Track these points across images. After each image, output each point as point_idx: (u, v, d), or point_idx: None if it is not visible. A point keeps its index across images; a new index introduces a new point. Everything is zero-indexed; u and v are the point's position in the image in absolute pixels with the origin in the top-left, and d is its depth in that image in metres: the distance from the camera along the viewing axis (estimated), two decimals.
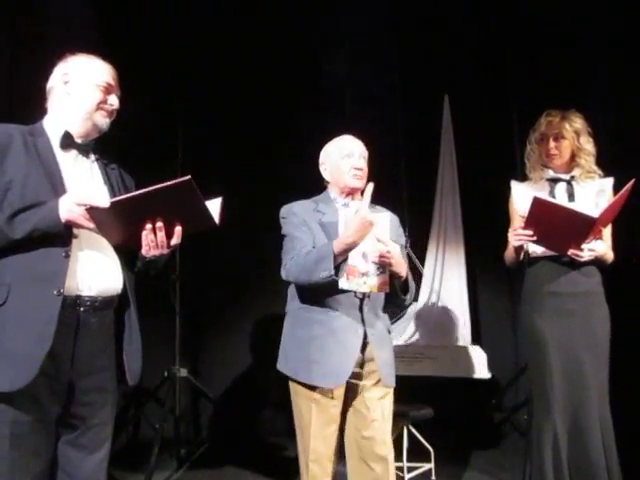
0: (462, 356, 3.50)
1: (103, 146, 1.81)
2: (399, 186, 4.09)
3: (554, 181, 2.51)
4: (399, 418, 3.09)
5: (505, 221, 2.61)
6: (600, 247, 2.32)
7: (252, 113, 4.05)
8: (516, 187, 2.60)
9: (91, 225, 1.54)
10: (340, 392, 2.05)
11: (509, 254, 2.53)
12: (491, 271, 4.02)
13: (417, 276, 3.95)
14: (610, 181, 2.46)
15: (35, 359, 1.47)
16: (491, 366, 3.50)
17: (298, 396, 2.08)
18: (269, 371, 2.17)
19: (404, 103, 4.14)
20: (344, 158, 2.16)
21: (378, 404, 2.07)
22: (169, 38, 3.87)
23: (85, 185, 1.69)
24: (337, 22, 4.18)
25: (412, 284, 2.19)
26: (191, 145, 3.94)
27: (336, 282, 1.94)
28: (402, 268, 2.05)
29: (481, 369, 3.45)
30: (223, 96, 4.06)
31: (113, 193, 1.74)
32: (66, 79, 1.71)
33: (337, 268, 1.91)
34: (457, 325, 3.83)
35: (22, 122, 1.70)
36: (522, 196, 2.49)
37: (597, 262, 2.38)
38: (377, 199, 2.29)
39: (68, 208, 1.52)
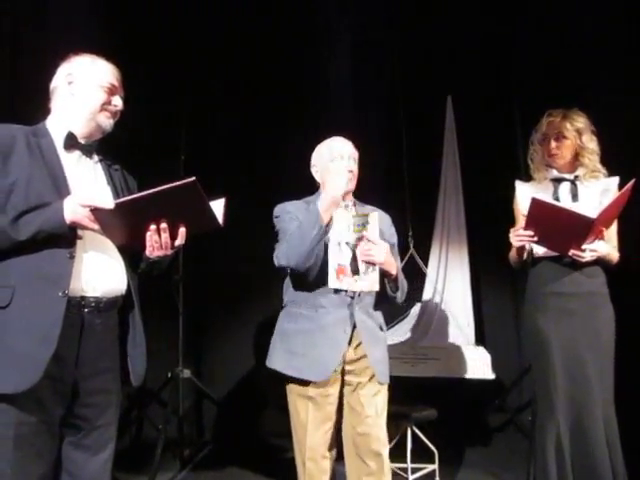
0: (466, 357, 3.49)
1: (105, 146, 1.81)
2: (402, 187, 4.08)
3: (558, 181, 2.50)
4: (403, 419, 3.09)
5: (509, 221, 2.60)
6: (602, 248, 2.31)
7: (253, 113, 4.04)
8: (520, 187, 2.60)
9: (96, 226, 1.54)
10: (335, 389, 2.08)
11: (513, 255, 2.53)
12: (494, 271, 4.00)
13: (420, 276, 3.95)
14: (615, 180, 2.44)
15: (40, 361, 1.47)
16: (495, 367, 3.48)
17: (293, 395, 2.11)
18: (272, 372, 2.17)
19: (407, 104, 4.12)
20: (334, 161, 2.19)
21: (372, 401, 2.10)
22: (172, 38, 3.87)
23: (89, 186, 1.68)
24: (339, 22, 4.17)
25: (404, 282, 2.23)
26: (193, 145, 3.94)
27: (326, 279, 1.99)
28: (392, 267, 2.10)
29: (485, 370, 3.44)
30: (225, 96, 4.07)
31: (116, 194, 1.74)
32: (70, 79, 1.70)
33: (325, 233, 2.00)
34: (461, 326, 3.82)
35: (24, 122, 1.70)
36: (526, 196, 2.47)
37: (601, 262, 2.37)
38: (380, 200, 2.30)
39: (73, 209, 1.52)
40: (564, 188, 2.48)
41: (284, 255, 2.06)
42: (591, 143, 2.46)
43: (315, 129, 2.61)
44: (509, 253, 2.55)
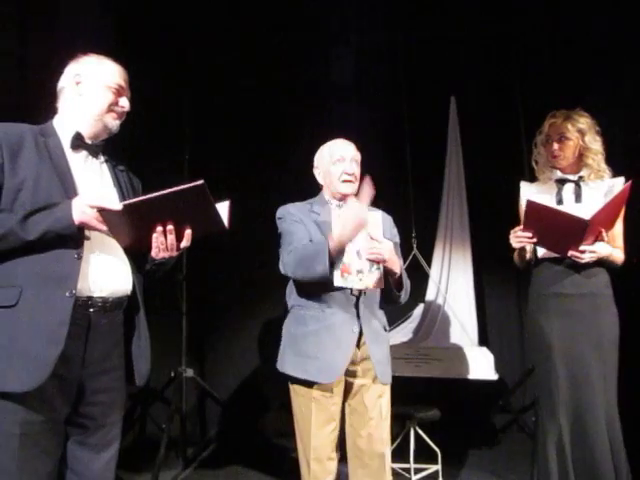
0: (469, 357, 3.49)
1: (110, 146, 1.82)
2: (406, 187, 4.08)
3: (562, 182, 2.50)
4: (406, 419, 3.09)
5: (512, 222, 2.60)
6: (602, 249, 2.30)
7: (257, 113, 4.05)
8: (525, 188, 2.60)
9: (103, 227, 1.55)
10: (339, 390, 2.09)
11: (516, 255, 2.55)
12: (498, 272, 4.01)
13: (424, 277, 3.95)
14: (620, 180, 2.43)
15: (47, 361, 1.48)
16: (498, 367, 3.48)
17: (298, 396, 2.11)
18: (276, 372, 2.18)
19: (410, 104, 4.13)
20: (335, 163, 2.20)
21: (376, 403, 2.11)
22: (178, 39, 3.89)
23: (96, 187, 1.69)
24: (343, 22, 4.17)
25: (407, 281, 2.23)
26: (197, 146, 3.95)
27: (331, 279, 1.98)
28: (396, 265, 2.10)
29: (488, 370, 3.44)
30: (229, 98, 4.07)
31: (122, 195, 1.76)
32: (78, 80, 1.71)
33: (332, 265, 1.97)
34: (464, 326, 3.81)
35: (31, 121, 1.70)
36: (531, 197, 2.47)
37: (604, 263, 2.37)
38: (384, 200, 2.30)
39: (81, 210, 1.52)
40: (568, 189, 2.48)
41: (291, 269, 2.07)
42: (594, 144, 2.45)
43: (319, 130, 2.62)
44: (514, 254, 2.55)
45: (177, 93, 3.90)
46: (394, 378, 2.20)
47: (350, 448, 2.14)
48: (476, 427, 3.83)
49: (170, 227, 1.56)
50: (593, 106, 2.58)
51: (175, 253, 1.63)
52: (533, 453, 2.64)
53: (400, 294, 2.18)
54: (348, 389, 2.12)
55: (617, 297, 2.40)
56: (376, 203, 2.26)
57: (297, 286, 2.17)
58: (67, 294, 1.53)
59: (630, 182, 2.21)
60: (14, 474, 1.48)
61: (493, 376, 3.44)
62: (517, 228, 2.34)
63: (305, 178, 2.39)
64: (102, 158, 1.78)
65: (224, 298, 4.09)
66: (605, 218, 2.22)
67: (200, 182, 1.48)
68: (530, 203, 2.16)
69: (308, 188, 2.35)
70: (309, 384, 2.06)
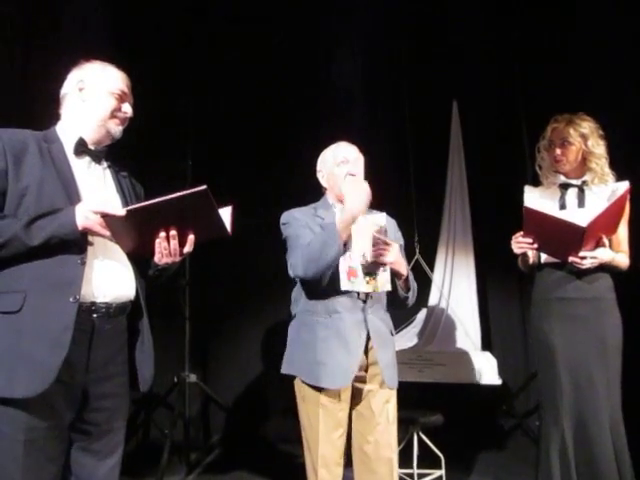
0: (472, 362, 3.48)
1: (113, 150, 1.82)
2: (408, 191, 4.08)
3: (565, 187, 2.49)
4: (409, 424, 3.08)
5: (516, 226, 2.60)
6: (603, 254, 2.28)
7: (261, 118, 4.06)
8: (529, 193, 2.59)
9: (107, 232, 1.55)
10: (347, 396, 2.07)
11: (520, 260, 2.54)
12: (501, 276, 4.01)
13: (426, 282, 3.95)
14: (624, 185, 2.40)
15: (51, 366, 1.48)
16: (501, 372, 3.47)
17: (305, 402, 2.09)
18: (279, 376, 2.17)
19: (413, 108, 4.13)
20: (339, 165, 2.20)
21: (383, 408, 2.10)
22: (181, 41, 3.91)
23: (100, 192, 1.70)
24: (345, 26, 4.19)
25: (414, 284, 2.23)
26: (200, 151, 3.96)
27: (338, 283, 1.98)
28: (402, 267, 2.10)
29: (491, 375, 3.43)
30: (232, 102, 4.08)
31: (125, 200, 1.76)
32: (81, 86, 1.72)
33: (344, 245, 1.96)
34: (467, 331, 3.81)
35: (34, 127, 1.71)
36: (534, 202, 2.47)
37: (607, 268, 2.36)
38: (386, 205, 2.30)
39: (85, 216, 1.53)
40: (571, 194, 2.47)
41: (301, 267, 2.04)
42: (598, 148, 2.44)
43: (322, 134, 2.62)
44: (518, 258, 2.54)
45: (180, 98, 3.91)
46: (398, 383, 2.19)
47: (356, 454, 2.11)
48: (480, 432, 3.82)
49: (173, 232, 1.57)
50: (595, 109, 2.57)
51: (178, 258, 1.63)
52: (537, 457, 2.63)
53: (408, 295, 2.19)
54: (355, 394, 2.10)
55: (620, 301, 2.39)
56: (379, 207, 2.27)
57: (305, 291, 2.15)
58: (71, 299, 1.53)
59: (628, 187, 2.20)
60: None
61: (496, 381, 3.43)
62: (518, 234, 2.33)
63: (309, 182, 2.39)
64: (105, 164, 1.79)
65: (227, 303, 4.09)
66: (605, 224, 2.21)
67: (203, 187, 1.48)
68: (527, 210, 2.16)
69: (312, 192, 2.34)
70: (317, 390, 2.03)
